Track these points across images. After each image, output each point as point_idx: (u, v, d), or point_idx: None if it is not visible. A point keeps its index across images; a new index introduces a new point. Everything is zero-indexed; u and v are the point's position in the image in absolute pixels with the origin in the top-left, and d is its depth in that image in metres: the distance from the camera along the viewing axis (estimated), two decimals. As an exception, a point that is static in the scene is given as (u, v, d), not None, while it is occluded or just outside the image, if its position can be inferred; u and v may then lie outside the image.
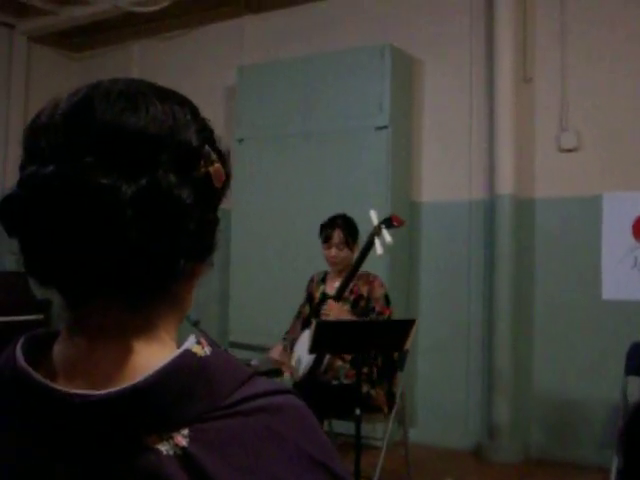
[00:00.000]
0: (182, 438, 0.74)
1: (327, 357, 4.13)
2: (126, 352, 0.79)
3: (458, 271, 5.70)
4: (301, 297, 4.56)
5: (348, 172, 5.70)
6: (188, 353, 0.79)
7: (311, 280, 4.56)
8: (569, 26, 5.38)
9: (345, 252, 4.27)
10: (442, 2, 5.90)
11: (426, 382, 5.74)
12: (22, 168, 0.78)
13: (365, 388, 4.08)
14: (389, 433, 4.26)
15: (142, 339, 0.80)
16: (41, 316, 6.33)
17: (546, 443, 5.33)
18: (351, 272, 4.16)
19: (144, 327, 0.81)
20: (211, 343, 0.82)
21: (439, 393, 5.70)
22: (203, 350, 0.80)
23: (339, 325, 3.92)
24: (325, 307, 4.14)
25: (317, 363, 4.10)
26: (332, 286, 4.34)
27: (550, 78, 5.45)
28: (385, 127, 5.62)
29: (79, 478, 0.75)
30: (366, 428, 4.82)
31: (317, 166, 5.86)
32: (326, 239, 4.29)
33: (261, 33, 6.73)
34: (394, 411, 4.26)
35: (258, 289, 6.05)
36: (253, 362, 3.92)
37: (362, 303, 4.25)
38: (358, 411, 3.70)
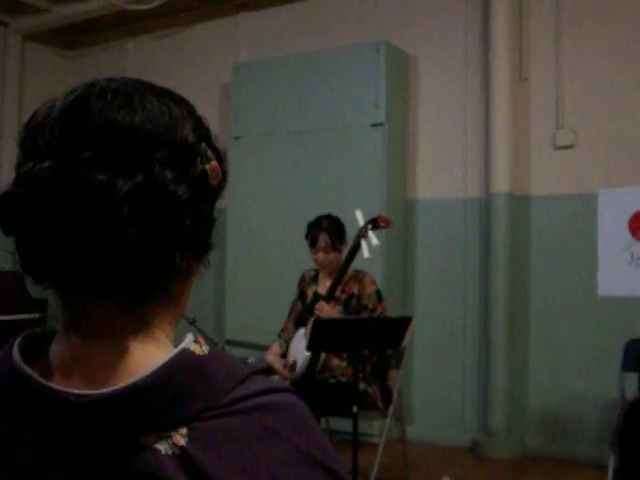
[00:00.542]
0: (180, 437, 0.74)
1: (323, 356, 4.12)
2: (122, 351, 0.79)
3: (454, 269, 5.70)
4: (295, 294, 4.56)
5: (344, 169, 5.71)
6: (186, 352, 0.78)
7: (302, 278, 4.53)
8: (565, 24, 5.38)
9: (332, 255, 4.23)
10: (437, -1, 5.90)
11: (423, 379, 5.75)
12: (18, 166, 0.77)
13: (362, 385, 4.08)
14: (386, 430, 4.26)
15: (138, 338, 0.80)
16: (37, 315, 6.33)
17: (542, 440, 5.34)
18: (339, 274, 4.13)
19: (140, 326, 0.80)
20: (208, 342, 0.82)
21: (436, 390, 5.70)
22: (201, 349, 0.80)
23: (337, 323, 3.92)
24: (317, 306, 4.12)
25: (313, 361, 4.10)
26: (324, 286, 4.32)
27: (546, 76, 5.45)
28: (380, 124, 5.62)
29: (76, 478, 0.74)
30: (363, 425, 4.83)
31: (312, 163, 5.86)
32: (312, 244, 4.25)
33: (256, 30, 6.72)
34: (391, 408, 4.27)
35: (254, 286, 6.05)
36: (250, 360, 3.92)
37: (354, 302, 4.24)
38: (355, 408, 3.70)
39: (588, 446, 4.90)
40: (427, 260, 5.84)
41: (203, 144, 0.81)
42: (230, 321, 6.24)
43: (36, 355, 0.81)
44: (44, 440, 0.76)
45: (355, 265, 4.18)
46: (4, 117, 7.25)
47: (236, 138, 6.20)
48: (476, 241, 5.62)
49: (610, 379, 4.65)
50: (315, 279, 4.45)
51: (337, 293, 4.20)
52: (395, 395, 4.30)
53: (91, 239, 0.73)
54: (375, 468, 4.16)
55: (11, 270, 5.81)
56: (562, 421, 5.28)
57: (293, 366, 4.19)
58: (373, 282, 4.29)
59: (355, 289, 4.25)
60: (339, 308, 4.19)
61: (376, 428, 5.30)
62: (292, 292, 4.58)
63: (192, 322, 3.47)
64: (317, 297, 4.30)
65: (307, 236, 4.28)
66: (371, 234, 4.05)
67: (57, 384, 0.76)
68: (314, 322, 3.73)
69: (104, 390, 0.74)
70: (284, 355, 4.34)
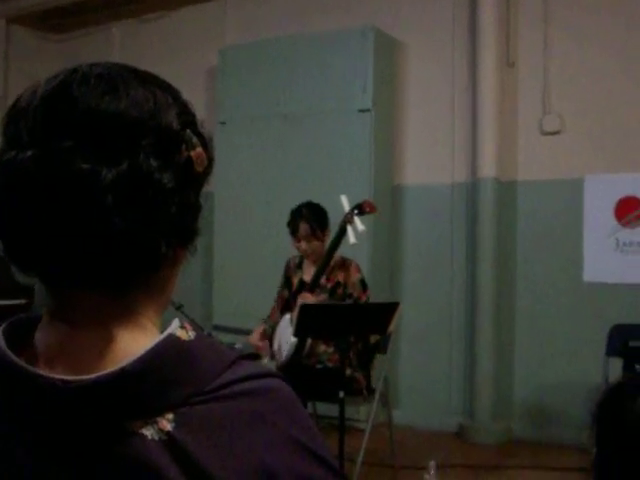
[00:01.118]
0: (167, 423, 0.74)
1: (309, 341, 4.12)
2: (107, 339, 0.78)
3: (441, 254, 5.72)
4: (280, 281, 4.56)
5: (331, 155, 5.70)
6: (172, 337, 0.78)
7: (287, 265, 4.51)
8: (552, 9, 5.38)
9: (314, 244, 4.19)
10: (425, -16, 5.88)
11: (409, 364, 5.77)
12: (1, 154, 0.76)
13: (348, 371, 4.09)
14: (373, 415, 4.28)
15: (124, 326, 0.80)
16: (24, 301, 6.29)
17: (528, 424, 5.38)
18: (324, 261, 4.11)
19: (126, 314, 0.80)
20: (195, 327, 0.82)
21: (422, 375, 5.73)
22: (187, 334, 0.80)
23: (323, 308, 3.92)
24: (300, 297, 4.09)
25: (300, 347, 4.10)
26: (309, 273, 4.30)
27: (533, 62, 5.45)
28: (368, 110, 5.61)
29: (63, 463, 0.74)
30: (350, 410, 4.84)
31: (299, 149, 5.84)
32: (293, 233, 4.22)
33: (243, 14, 6.68)
34: (377, 393, 4.28)
35: (241, 272, 6.05)
36: (237, 345, 3.91)
37: (339, 290, 4.23)
38: (342, 394, 3.71)
39: (573, 430, 4.93)
40: (414, 246, 5.85)
41: (188, 131, 0.80)
42: (217, 307, 6.24)
43: (21, 342, 0.81)
44: (30, 426, 0.76)
45: (342, 251, 4.16)
46: (-11, 101, 7.19)
47: (222, 123, 6.17)
48: (463, 226, 5.63)
49: (595, 364, 4.68)
50: (300, 266, 4.43)
51: (322, 281, 4.18)
52: (381, 381, 4.32)
53: (76, 228, 0.73)
54: (361, 453, 4.18)
55: (-3, 255, 5.77)
56: (547, 406, 5.32)
57: (278, 352, 4.19)
58: (358, 270, 4.28)
59: (341, 277, 4.24)
60: (324, 296, 4.17)
61: (363, 413, 5.32)
62: (280, 278, 4.58)
63: (179, 308, 3.47)
64: (303, 284, 4.28)
65: (289, 224, 4.25)
66: (357, 220, 4.03)
67: (42, 371, 0.76)
68: (301, 308, 3.73)
69: (91, 376, 0.74)
70: (270, 339, 4.33)
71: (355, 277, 4.24)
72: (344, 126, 5.69)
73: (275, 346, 4.23)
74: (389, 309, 3.89)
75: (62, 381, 0.74)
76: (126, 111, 0.76)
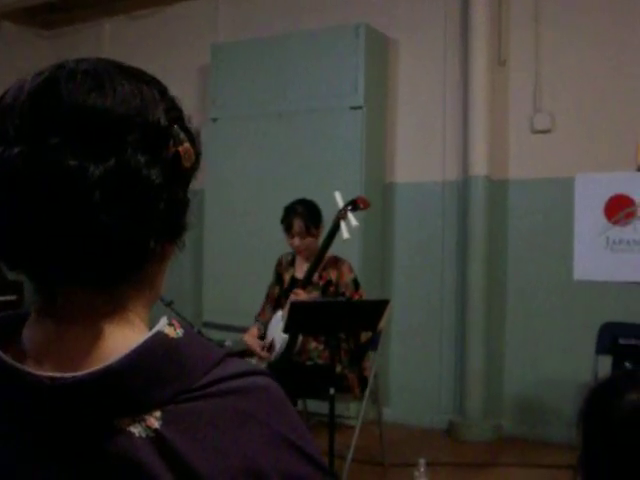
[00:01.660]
0: (154, 420, 0.74)
1: (300, 338, 4.13)
2: (95, 335, 0.78)
3: (431, 252, 5.72)
4: (272, 278, 4.56)
5: (322, 152, 5.70)
6: (160, 335, 0.78)
7: (279, 262, 4.53)
8: (544, 8, 5.38)
9: (308, 240, 4.23)
10: (417, -18, 5.88)
11: (400, 362, 5.78)
12: None
13: (339, 368, 4.09)
14: (363, 412, 4.28)
15: (112, 322, 0.79)
16: (14, 297, 6.28)
17: (517, 422, 5.39)
18: (318, 258, 4.13)
19: (114, 310, 0.80)
20: (183, 324, 0.82)
21: (412, 373, 5.74)
22: (175, 332, 0.79)
23: (314, 306, 3.93)
24: (293, 292, 4.10)
25: (291, 344, 4.10)
26: (301, 270, 4.32)
27: (524, 60, 5.46)
28: (360, 107, 5.62)
29: (49, 461, 0.74)
30: (340, 407, 4.84)
31: (291, 146, 5.84)
32: (287, 229, 4.25)
33: (236, 11, 6.67)
34: (367, 391, 4.29)
35: (232, 269, 6.04)
36: (227, 343, 3.92)
37: (331, 289, 4.24)
38: (332, 391, 3.72)
39: (562, 428, 4.95)
40: (405, 243, 5.86)
41: (175, 126, 0.80)
42: (208, 303, 6.24)
43: (9, 339, 0.81)
44: (16, 423, 0.75)
45: (333, 248, 4.18)
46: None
47: (214, 120, 6.16)
48: (453, 224, 5.64)
49: (585, 362, 4.69)
50: (292, 263, 4.44)
51: (314, 278, 4.19)
52: (371, 378, 4.32)
53: (63, 225, 0.72)
54: (351, 450, 4.19)
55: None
56: (537, 403, 5.34)
57: (270, 348, 4.19)
58: (351, 270, 4.30)
59: (333, 276, 4.25)
60: (316, 294, 4.19)
61: (353, 410, 5.33)
62: (270, 275, 4.58)
63: (169, 304, 3.47)
64: (294, 281, 4.30)
65: (282, 221, 4.27)
66: (350, 215, 4.07)
67: (30, 368, 0.76)
68: (291, 305, 3.74)
69: (79, 373, 0.74)
70: (262, 337, 4.34)
71: (348, 277, 4.26)
72: (336, 123, 5.69)
73: (267, 343, 4.24)
74: (379, 306, 3.90)
75: (49, 379, 0.74)
76: (113, 107, 0.75)
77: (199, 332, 3.31)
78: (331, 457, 3.70)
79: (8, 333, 0.82)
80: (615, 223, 5.01)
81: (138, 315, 0.82)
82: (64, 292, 0.78)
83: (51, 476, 0.74)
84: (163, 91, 0.83)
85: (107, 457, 0.73)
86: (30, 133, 0.73)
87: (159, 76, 0.85)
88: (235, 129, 6.11)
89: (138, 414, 0.74)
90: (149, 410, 0.74)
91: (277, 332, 4.09)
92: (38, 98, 0.75)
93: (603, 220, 5.07)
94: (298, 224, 4.19)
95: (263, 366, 4.03)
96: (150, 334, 0.78)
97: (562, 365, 5.19)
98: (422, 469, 3.35)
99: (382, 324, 3.91)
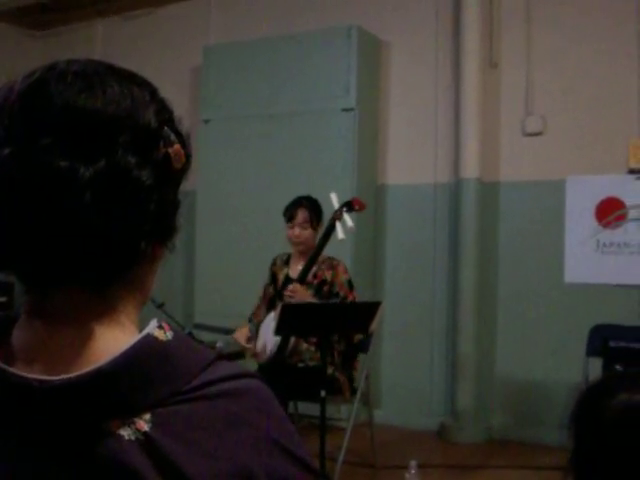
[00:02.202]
0: (144, 423, 0.74)
1: (292, 340, 4.13)
2: (85, 337, 0.78)
3: (423, 254, 5.73)
4: (267, 278, 4.56)
5: (314, 154, 5.70)
6: (149, 337, 0.78)
7: (273, 262, 4.55)
8: (535, 11, 5.40)
9: (308, 232, 4.29)
10: (409, -16, 5.88)
11: (391, 364, 5.78)
12: None
13: (330, 370, 4.10)
14: (354, 414, 4.28)
15: (102, 324, 0.79)
16: (4, 298, 6.26)
17: (509, 424, 5.40)
18: (313, 256, 4.16)
19: (104, 311, 0.80)
20: (173, 327, 0.81)
21: (404, 375, 5.74)
22: (165, 334, 0.79)
23: (305, 308, 3.93)
24: (290, 287, 4.13)
25: (283, 346, 4.10)
26: (295, 269, 4.34)
27: (516, 62, 5.47)
28: (351, 109, 5.62)
29: (38, 464, 0.74)
30: (331, 409, 4.84)
31: (283, 148, 5.84)
32: (290, 218, 4.30)
33: (228, 13, 6.67)
34: (359, 393, 4.29)
35: (223, 271, 6.04)
36: (218, 344, 3.91)
37: (326, 288, 4.26)
38: (323, 393, 3.72)
39: (553, 430, 4.96)
40: (397, 245, 5.86)
41: (166, 128, 0.80)
42: (199, 305, 6.23)
43: (-2, 341, 0.80)
44: (5, 426, 0.75)
45: (326, 249, 4.19)
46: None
47: (206, 121, 6.15)
48: (445, 226, 5.65)
49: (575, 364, 4.71)
50: (287, 262, 4.47)
51: (309, 278, 4.21)
52: (362, 380, 4.32)
53: (54, 226, 0.72)
54: (342, 452, 4.18)
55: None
56: (529, 405, 5.34)
57: (262, 350, 4.19)
58: (346, 271, 4.34)
59: (328, 276, 4.27)
60: (311, 292, 4.20)
61: (344, 412, 5.32)
62: (262, 276, 4.58)
63: (160, 306, 3.45)
64: (288, 280, 4.31)
65: (285, 212, 4.33)
66: (346, 216, 4.11)
67: (20, 370, 0.75)
68: (282, 308, 3.74)
69: (68, 375, 0.74)
70: (253, 339, 4.34)
71: (343, 277, 4.29)
72: (328, 125, 5.69)
73: (259, 344, 4.23)
74: (371, 308, 3.91)
75: (38, 381, 0.73)
76: (103, 108, 0.75)
77: (190, 334, 3.30)
78: (322, 459, 3.70)
79: (-2, 334, 0.81)
80: (606, 226, 5.03)
81: (128, 316, 0.82)
82: (54, 293, 0.78)
83: (40, 479, 0.73)
84: (153, 92, 0.83)
85: (96, 460, 0.73)
86: (20, 134, 0.73)
87: (151, 77, 0.85)
88: (227, 130, 6.10)
89: (128, 417, 0.74)
90: (139, 413, 0.74)
91: (269, 333, 4.09)
92: (28, 99, 0.75)
93: (594, 223, 5.09)
94: (302, 214, 4.27)
95: (254, 366, 4.04)
96: (140, 337, 0.78)
97: (553, 367, 5.20)
98: (413, 471, 3.35)
99: (374, 326, 3.91)
